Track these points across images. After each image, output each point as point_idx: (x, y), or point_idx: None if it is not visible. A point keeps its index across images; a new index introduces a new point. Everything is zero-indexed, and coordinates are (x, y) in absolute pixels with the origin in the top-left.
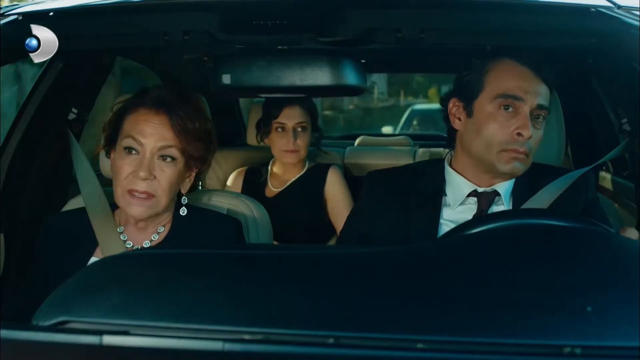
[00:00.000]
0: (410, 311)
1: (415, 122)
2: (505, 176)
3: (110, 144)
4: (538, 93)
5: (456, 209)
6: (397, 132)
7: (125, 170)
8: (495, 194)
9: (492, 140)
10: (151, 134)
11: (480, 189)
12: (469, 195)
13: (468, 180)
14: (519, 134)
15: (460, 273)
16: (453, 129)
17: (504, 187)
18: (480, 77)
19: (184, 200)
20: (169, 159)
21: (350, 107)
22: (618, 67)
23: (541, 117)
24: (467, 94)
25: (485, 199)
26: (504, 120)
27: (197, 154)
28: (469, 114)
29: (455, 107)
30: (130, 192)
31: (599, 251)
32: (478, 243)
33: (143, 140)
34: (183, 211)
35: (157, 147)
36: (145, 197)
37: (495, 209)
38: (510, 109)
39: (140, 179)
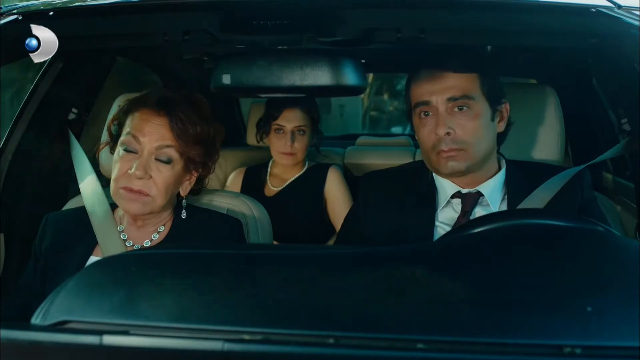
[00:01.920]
0: (410, 311)
1: None
2: (456, 175)
3: (114, 141)
4: (447, 87)
5: (443, 210)
6: (406, 132)
7: (123, 168)
8: (479, 194)
9: (425, 148)
10: (150, 133)
11: (464, 190)
12: (453, 196)
13: (452, 182)
14: (437, 134)
15: (460, 273)
16: None
17: (488, 188)
18: (407, 94)
19: (184, 203)
20: (166, 160)
21: (390, 108)
22: (618, 67)
23: (465, 107)
24: (408, 113)
25: (469, 199)
26: (427, 126)
27: (197, 158)
28: (413, 129)
29: (410, 125)
30: (125, 188)
31: (599, 251)
32: (478, 243)
33: (141, 139)
34: (183, 214)
35: (154, 147)
36: (139, 196)
37: (479, 209)
38: (430, 114)
39: (135, 178)
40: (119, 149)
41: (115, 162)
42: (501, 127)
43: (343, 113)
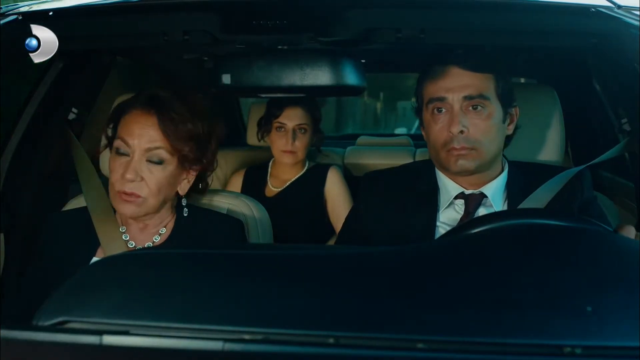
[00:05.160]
0: (410, 311)
1: None
2: (464, 174)
3: (110, 144)
4: (464, 86)
5: (445, 211)
6: (412, 132)
7: (117, 172)
8: (483, 195)
9: (435, 145)
10: (139, 135)
11: (467, 192)
12: (457, 197)
13: (455, 182)
14: (450, 132)
15: (460, 273)
16: None
17: (491, 189)
18: (420, 90)
19: (184, 202)
20: (157, 161)
21: None
22: (618, 67)
23: (479, 107)
24: (418, 108)
25: (472, 201)
26: (440, 123)
27: (190, 155)
28: (422, 125)
29: (420, 121)
30: (119, 192)
31: (599, 251)
32: (478, 243)
33: (131, 142)
34: (185, 212)
35: (144, 149)
36: (132, 198)
37: (482, 210)
38: (443, 110)
39: (127, 181)
40: (112, 152)
41: (110, 167)
42: (510, 129)
43: (406, 113)
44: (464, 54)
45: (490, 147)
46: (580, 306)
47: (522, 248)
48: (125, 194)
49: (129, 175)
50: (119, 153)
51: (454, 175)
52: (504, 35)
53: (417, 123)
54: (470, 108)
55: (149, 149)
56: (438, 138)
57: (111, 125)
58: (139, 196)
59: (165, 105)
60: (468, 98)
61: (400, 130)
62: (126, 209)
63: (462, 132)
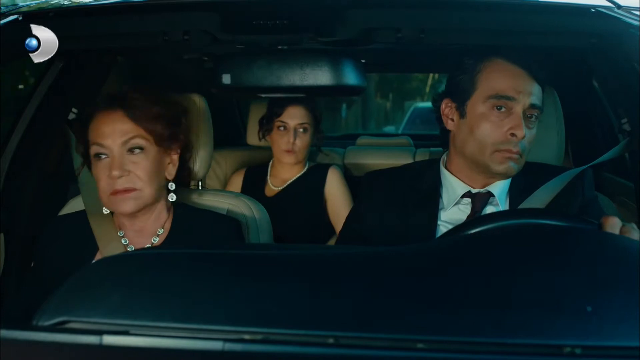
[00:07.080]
0: (410, 311)
1: (418, 122)
2: (499, 176)
3: (87, 157)
4: (531, 92)
5: (450, 210)
6: (399, 132)
7: (102, 175)
8: (490, 194)
9: (485, 141)
10: (110, 133)
11: (474, 190)
12: (463, 196)
13: (462, 181)
14: (512, 135)
15: (460, 273)
16: (446, 129)
17: (498, 188)
18: (472, 77)
19: (172, 186)
20: (137, 150)
21: None
22: (618, 67)
23: (534, 116)
24: (460, 94)
25: (479, 199)
26: (497, 121)
27: (165, 132)
28: (462, 114)
29: (447, 107)
30: (112, 193)
31: (599, 251)
32: (478, 243)
33: (105, 142)
34: (172, 197)
35: (119, 143)
36: (128, 193)
37: (489, 209)
38: (503, 109)
39: (115, 179)
40: (93, 161)
41: (95, 174)
42: None
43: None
44: (533, 61)
45: (527, 156)
46: (580, 306)
47: (522, 248)
48: (119, 191)
49: (115, 172)
50: (98, 158)
51: (493, 175)
52: (504, 35)
53: (404, 123)
54: (527, 115)
55: (125, 142)
56: (491, 135)
57: (82, 139)
58: (134, 189)
59: (126, 98)
60: (533, 106)
61: (388, 130)
62: (125, 206)
63: (524, 136)
